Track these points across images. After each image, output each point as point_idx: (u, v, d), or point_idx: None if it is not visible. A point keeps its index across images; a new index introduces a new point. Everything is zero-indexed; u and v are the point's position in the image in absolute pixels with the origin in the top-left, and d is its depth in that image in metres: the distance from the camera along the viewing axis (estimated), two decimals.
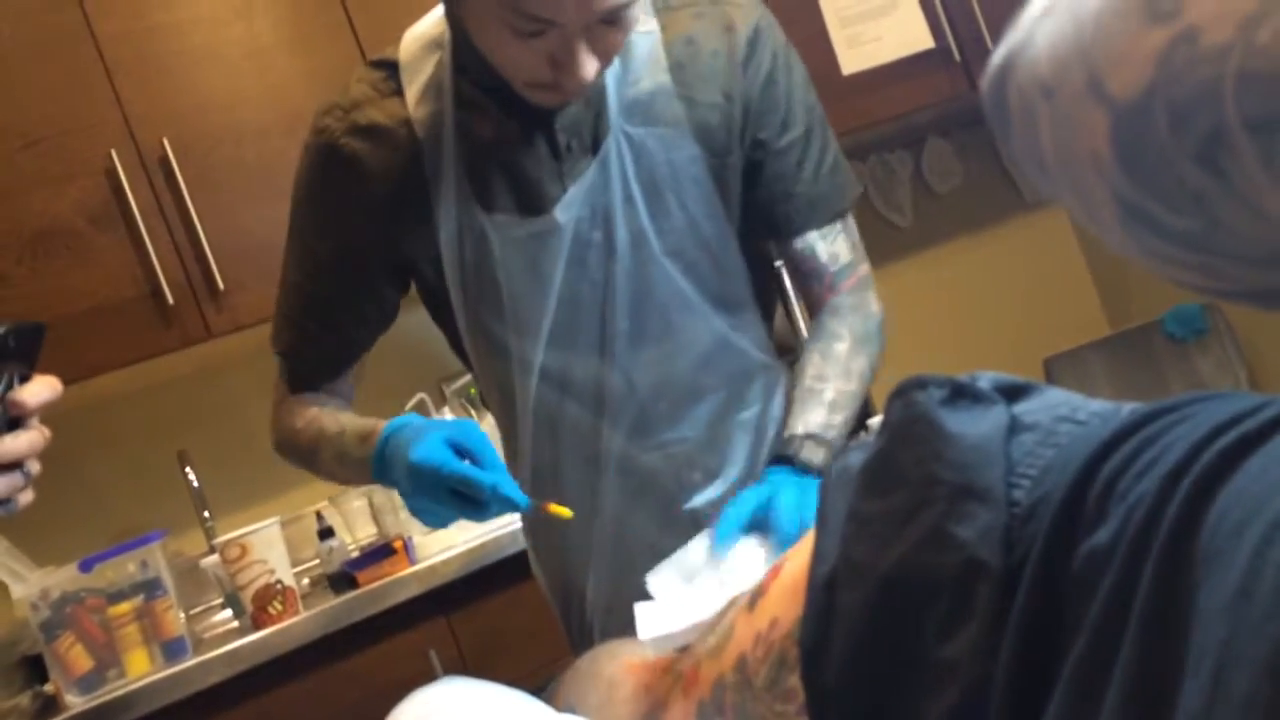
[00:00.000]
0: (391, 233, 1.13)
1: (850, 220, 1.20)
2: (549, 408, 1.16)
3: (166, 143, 2.09)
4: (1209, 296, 0.37)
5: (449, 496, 0.98)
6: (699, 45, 1.11)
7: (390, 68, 1.13)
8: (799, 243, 1.16)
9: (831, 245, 1.17)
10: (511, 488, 0.97)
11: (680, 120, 1.10)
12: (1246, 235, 0.31)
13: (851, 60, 2.46)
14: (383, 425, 1.07)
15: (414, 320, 2.67)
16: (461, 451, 0.99)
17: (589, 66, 0.98)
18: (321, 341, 1.20)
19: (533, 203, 1.11)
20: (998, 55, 0.39)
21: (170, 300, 2.05)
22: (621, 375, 1.14)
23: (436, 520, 1.02)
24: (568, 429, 1.17)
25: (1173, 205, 0.32)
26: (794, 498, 0.98)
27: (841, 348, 1.13)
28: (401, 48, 1.14)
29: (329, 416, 1.16)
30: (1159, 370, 2.78)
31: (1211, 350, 2.75)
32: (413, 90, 1.11)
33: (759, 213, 1.16)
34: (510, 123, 1.10)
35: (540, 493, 1.18)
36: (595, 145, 1.10)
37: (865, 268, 1.19)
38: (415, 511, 1.03)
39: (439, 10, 1.11)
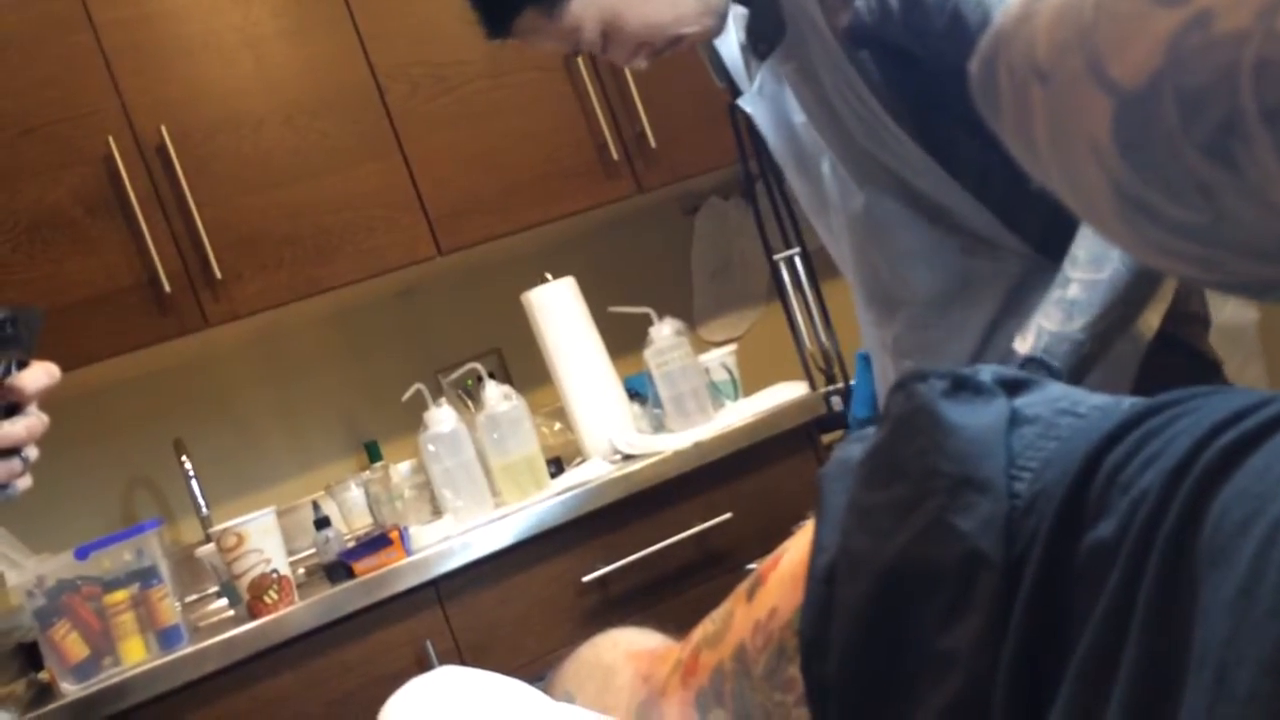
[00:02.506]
0: None
1: None
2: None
3: (164, 131, 2.08)
4: (1201, 287, 0.36)
5: None
6: None
7: None
8: None
9: None
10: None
11: (822, 24, 1.11)
12: (1254, 228, 0.31)
13: None
14: None
15: (410, 312, 2.67)
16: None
17: (616, 58, 1.18)
18: None
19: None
20: (988, 35, 0.38)
21: (167, 289, 2.05)
22: (845, 253, 1.27)
23: None
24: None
25: (1177, 196, 0.31)
26: None
27: None
28: None
29: None
30: None
31: None
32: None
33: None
34: (736, 30, 1.27)
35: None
36: (770, 50, 1.20)
37: None
38: None
39: None
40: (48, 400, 0.86)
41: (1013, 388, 0.50)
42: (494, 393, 2.11)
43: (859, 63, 1.09)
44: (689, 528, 2.06)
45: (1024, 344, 0.99)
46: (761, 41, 1.20)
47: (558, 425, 2.39)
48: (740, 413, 2.19)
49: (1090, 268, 0.96)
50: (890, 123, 1.10)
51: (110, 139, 2.05)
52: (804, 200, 1.31)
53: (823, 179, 1.21)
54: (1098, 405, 0.47)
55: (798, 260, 2.14)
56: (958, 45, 1.03)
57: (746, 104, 1.26)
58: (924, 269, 1.16)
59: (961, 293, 1.14)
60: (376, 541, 1.95)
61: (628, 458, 2.13)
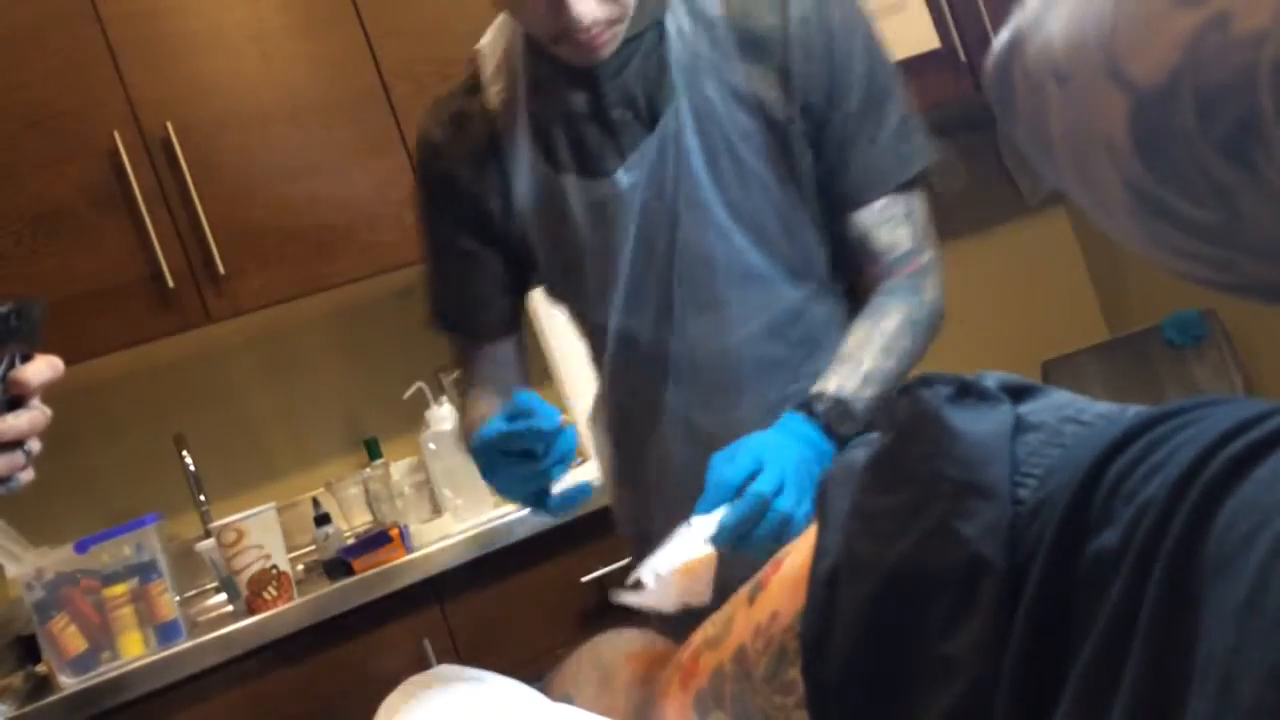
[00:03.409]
0: (482, 206, 1.21)
1: (918, 202, 1.16)
2: (621, 365, 1.22)
3: (169, 125, 2.08)
4: (1213, 289, 0.36)
5: (505, 461, 1.05)
6: (755, 19, 1.12)
7: (478, 55, 1.23)
8: (856, 226, 1.14)
9: (892, 232, 1.14)
10: (566, 436, 1.02)
11: (743, 90, 1.11)
12: (1270, 229, 0.30)
13: None
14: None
15: (413, 310, 2.66)
16: (519, 414, 1.04)
17: (585, 6, 1.03)
18: (458, 309, 1.31)
19: (595, 172, 1.16)
20: (1004, 36, 0.38)
21: (170, 284, 2.05)
22: (683, 343, 1.17)
23: (525, 499, 1.09)
24: (637, 388, 1.22)
25: (1192, 196, 0.31)
26: (790, 465, 0.99)
27: (889, 324, 1.11)
28: (485, 35, 1.23)
29: (485, 408, 1.22)
30: (1156, 376, 2.78)
31: (1209, 357, 2.75)
32: (489, 71, 1.20)
33: (821, 188, 1.15)
34: (572, 96, 1.15)
35: (621, 440, 1.27)
36: (655, 116, 1.13)
37: (928, 255, 1.16)
38: (497, 489, 1.11)
39: None
40: (50, 393, 0.86)
41: (1017, 394, 0.50)
42: None
43: (760, 126, 1.12)
44: None
45: (829, 385, 1.07)
46: (630, 108, 1.13)
47: None
48: None
49: (881, 356, 1.09)
50: (774, 183, 1.13)
51: (115, 133, 2.05)
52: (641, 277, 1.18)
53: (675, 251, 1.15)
54: (1103, 413, 0.47)
55: None
56: (853, 125, 1.12)
57: (626, 176, 1.13)
58: (775, 341, 1.18)
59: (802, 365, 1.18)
60: (376, 539, 1.95)
61: None
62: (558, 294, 1.26)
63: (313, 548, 2.18)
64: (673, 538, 0.95)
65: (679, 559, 0.90)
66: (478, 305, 1.28)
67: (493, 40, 1.21)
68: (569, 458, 1.03)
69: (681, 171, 1.12)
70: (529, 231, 1.20)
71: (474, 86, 1.21)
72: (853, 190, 1.14)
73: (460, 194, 1.21)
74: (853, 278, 1.19)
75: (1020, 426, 0.47)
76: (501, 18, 1.20)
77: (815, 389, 1.07)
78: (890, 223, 1.14)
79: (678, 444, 1.19)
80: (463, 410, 1.31)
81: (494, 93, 1.19)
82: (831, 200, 1.15)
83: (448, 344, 1.35)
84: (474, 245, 1.23)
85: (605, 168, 1.15)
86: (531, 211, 1.18)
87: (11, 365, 0.82)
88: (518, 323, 1.30)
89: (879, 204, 1.14)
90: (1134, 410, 0.46)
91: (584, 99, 1.14)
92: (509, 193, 1.18)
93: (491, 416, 1.10)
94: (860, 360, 1.09)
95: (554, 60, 1.13)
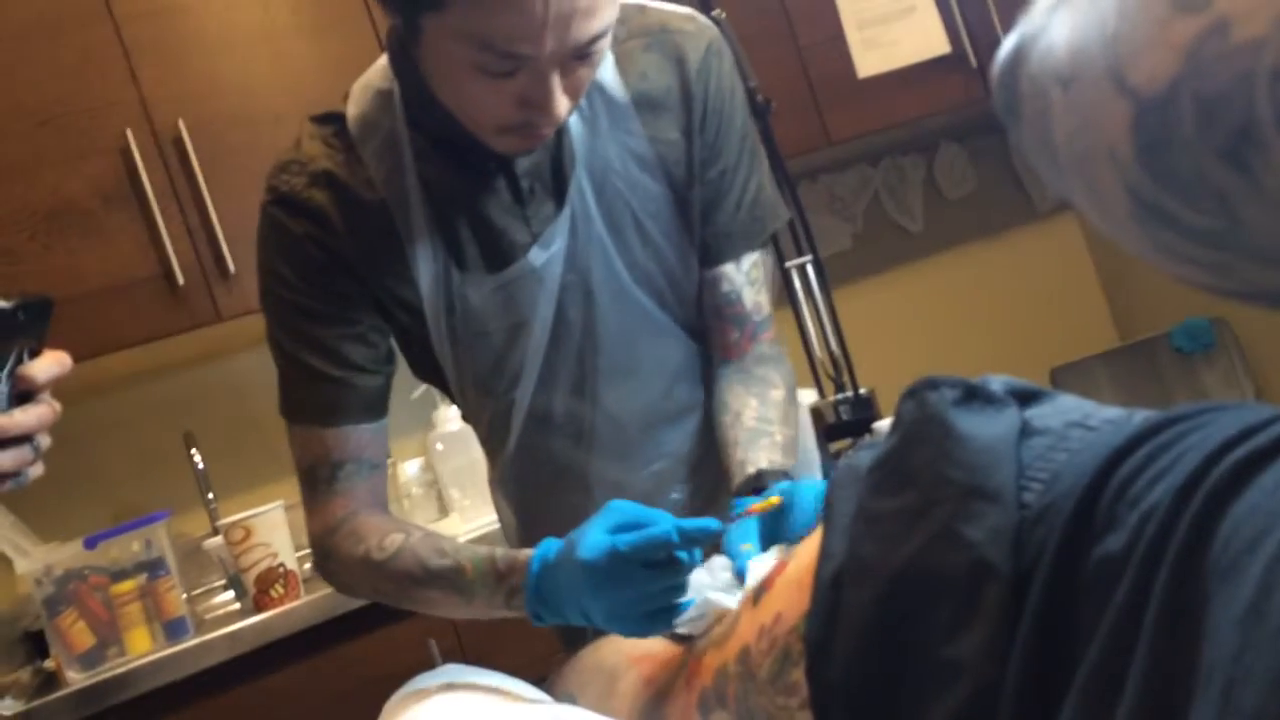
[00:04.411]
0: (367, 285, 1.09)
1: (768, 262, 1.19)
2: (533, 442, 1.17)
3: (181, 124, 2.09)
4: (1217, 295, 0.36)
5: (640, 574, 0.84)
6: (653, 80, 1.09)
7: (337, 121, 1.09)
8: (729, 280, 1.15)
9: (757, 295, 1.16)
10: (692, 521, 0.85)
11: (644, 156, 1.10)
12: (1269, 235, 0.30)
13: (868, 63, 2.46)
14: (523, 556, 0.96)
15: None
16: (625, 527, 0.88)
17: (562, 104, 0.96)
18: (331, 397, 1.14)
19: (502, 251, 1.09)
20: (1009, 43, 0.38)
21: (181, 281, 2.05)
22: (602, 410, 1.15)
23: (641, 622, 0.86)
24: (554, 463, 1.17)
25: (1193, 202, 0.31)
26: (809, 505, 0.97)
27: (778, 395, 1.13)
28: (350, 102, 1.10)
29: (427, 547, 1.05)
30: (1165, 383, 2.77)
31: (1218, 364, 2.74)
32: (369, 148, 1.08)
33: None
34: (470, 173, 1.07)
35: (529, 524, 1.21)
36: (558, 186, 1.09)
37: (774, 324, 1.19)
38: (613, 622, 0.86)
39: (383, 60, 1.09)
40: (59, 389, 0.86)
41: (1024, 398, 0.50)
42: None
43: (664, 189, 1.11)
44: None
45: (761, 463, 1.04)
46: (539, 181, 1.08)
47: None
48: None
49: (784, 426, 1.10)
50: (672, 241, 1.13)
51: (128, 131, 2.06)
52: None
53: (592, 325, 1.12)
54: (1109, 418, 0.47)
55: (809, 268, 2.14)
56: (729, 179, 1.12)
57: (540, 254, 1.08)
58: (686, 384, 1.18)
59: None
60: None
61: None
62: (439, 372, 1.16)
63: None
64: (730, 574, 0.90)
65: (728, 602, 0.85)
66: (359, 382, 1.12)
67: (363, 114, 1.09)
68: (706, 538, 0.86)
69: (591, 243, 1.09)
70: (430, 318, 1.10)
71: (350, 154, 1.08)
72: (728, 243, 1.14)
73: (353, 266, 1.08)
74: (714, 338, 1.18)
75: (1026, 431, 0.47)
76: (373, 83, 1.09)
77: (752, 471, 1.03)
78: (756, 284, 1.17)
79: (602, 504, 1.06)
80: (357, 534, 1.13)
81: (375, 168, 1.07)
82: (704, 251, 1.15)
83: (294, 435, 1.20)
84: (368, 320, 1.10)
85: (515, 245, 1.08)
86: (430, 294, 1.09)
87: (19, 361, 0.82)
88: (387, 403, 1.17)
89: (746, 261, 1.15)
90: (1140, 416, 0.46)
91: (492, 169, 1.07)
92: (407, 273, 1.08)
93: (411, 538, 1.04)
94: (771, 434, 1.09)
95: (451, 138, 1.04)
